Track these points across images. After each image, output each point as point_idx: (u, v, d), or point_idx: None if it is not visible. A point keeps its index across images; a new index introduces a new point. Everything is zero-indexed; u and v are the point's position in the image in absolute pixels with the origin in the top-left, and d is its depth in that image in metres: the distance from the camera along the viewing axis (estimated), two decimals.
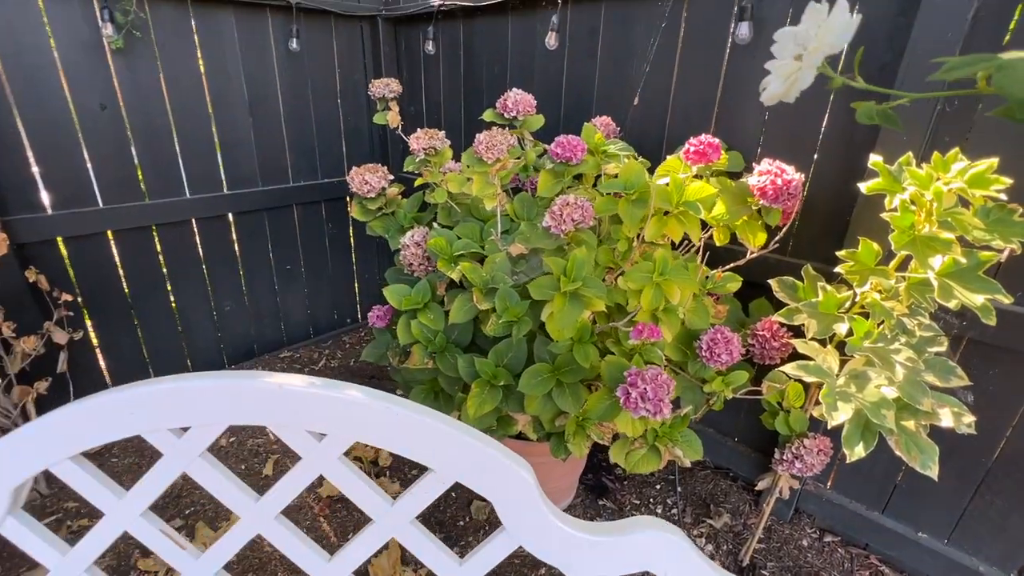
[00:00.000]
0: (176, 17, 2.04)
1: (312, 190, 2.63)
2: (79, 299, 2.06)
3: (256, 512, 0.66)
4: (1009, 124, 1.24)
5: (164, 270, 2.28)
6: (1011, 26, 1.20)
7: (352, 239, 2.90)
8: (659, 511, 1.84)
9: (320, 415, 0.61)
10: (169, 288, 2.32)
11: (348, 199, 2.81)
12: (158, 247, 2.23)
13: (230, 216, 2.41)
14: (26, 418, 1.66)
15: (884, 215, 1.10)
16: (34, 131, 1.83)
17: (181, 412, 0.61)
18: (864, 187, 1.15)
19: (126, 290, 2.19)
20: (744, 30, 1.42)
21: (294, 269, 2.71)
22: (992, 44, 1.21)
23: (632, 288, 1.05)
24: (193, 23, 2.09)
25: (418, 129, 1.40)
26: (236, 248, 2.47)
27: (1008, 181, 0.97)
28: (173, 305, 2.35)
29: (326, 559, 0.67)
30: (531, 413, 1.23)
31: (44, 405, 1.82)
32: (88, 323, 2.13)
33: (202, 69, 2.15)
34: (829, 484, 1.72)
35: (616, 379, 1.07)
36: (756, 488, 1.62)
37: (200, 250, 2.36)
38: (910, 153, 1.13)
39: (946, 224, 1.04)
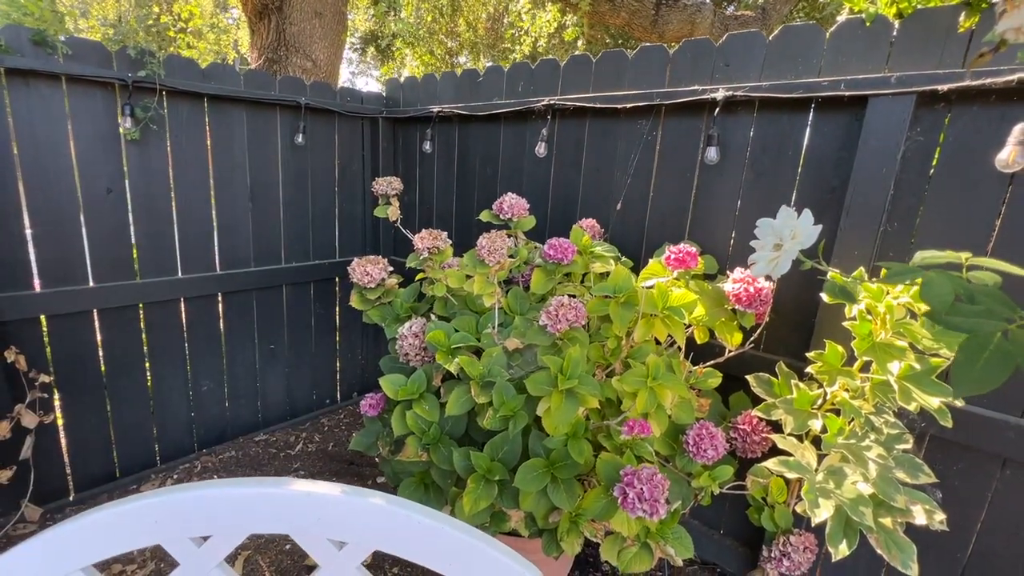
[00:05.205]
0: (192, 112, 2.18)
1: (303, 271, 2.69)
2: (52, 378, 1.99)
3: None
4: (947, 241, 1.43)
5: (145, 348, 2.25)
6: (933, 162, 1.43)
7: (338, 319, 2.93)
8: None
9: (343, 524, 0.63)
10: (147, 366, 2.27)
11: (336, 279, 2.87)
12: (142, 325, 2.22)
13: (219, 295, 2.43)
14: None
15: (845, 323, 1.23)
16: (37, 212, 1.87)
17: (205, 520, 0.63)
18: (826, 297, 1.29)
19: (102, 367, 2.14)
20: (712, 153, 1.63)
21: (277, 348, 2.69)
22: (920, 176, 1.42)
23: (628, 391, 1.12)
24: (207, 118, 2.23)
25: (424, 230, 1.51)
26: (221, 326, 2.47)
27: None
28: (149, 384, 2.29)
29: None
30: (525, 509, 1.24)
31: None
32: (57, 401, 2.04)
33: (210, 159, 2.27)
34: None
35: (611, 477, 1.10)
36: None
37: (185, 329, 2.34)
38: (862, 268, 1.29)
39: (899, 333, 1.16)
